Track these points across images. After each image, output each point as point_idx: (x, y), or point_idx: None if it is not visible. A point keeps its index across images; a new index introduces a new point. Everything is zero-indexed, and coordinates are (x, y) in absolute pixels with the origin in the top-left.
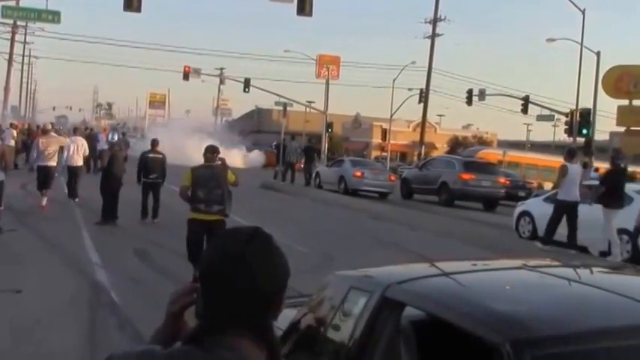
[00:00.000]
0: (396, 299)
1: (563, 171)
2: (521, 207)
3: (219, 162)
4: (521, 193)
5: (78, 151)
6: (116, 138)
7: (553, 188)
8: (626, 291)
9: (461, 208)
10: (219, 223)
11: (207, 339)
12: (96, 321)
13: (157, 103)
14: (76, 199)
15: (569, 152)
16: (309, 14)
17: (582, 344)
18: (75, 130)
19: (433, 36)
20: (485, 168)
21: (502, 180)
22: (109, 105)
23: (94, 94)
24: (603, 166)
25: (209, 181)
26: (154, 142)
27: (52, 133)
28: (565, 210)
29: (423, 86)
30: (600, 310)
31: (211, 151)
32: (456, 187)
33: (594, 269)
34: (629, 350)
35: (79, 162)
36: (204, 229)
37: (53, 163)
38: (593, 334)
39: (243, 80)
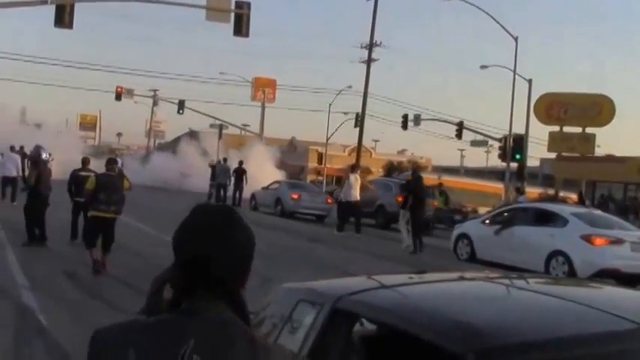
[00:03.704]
0: (348, 311)
1: (346, 178)
2: (458, 229)
3: (118, 171)
4: (457, 217)
5: None
6: (44, 156)
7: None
8: (582, 300)
9: (398, 231)
10: (113, 220)
11: (187, 305)
12: (22, 345)
13: (88, 124)
14: None
15: (352, 167)
16: (246, 35)
17: (545, 352)
18: None
19: (369, 61)
20: None
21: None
22: (38, 126)
23: (21, 114)
24: (534, 191)
25: (109, 186)
26: (85, 160)
27: None
28: (346, 206)
29: (359, 110)
30: (560, 318)
31: (111, 163)
32: (393, 210)
33: (544, 280)
34: (590, 358)
35: None
36: (102, 223)
37: None
38: (555, 343)
39: (177, 101)
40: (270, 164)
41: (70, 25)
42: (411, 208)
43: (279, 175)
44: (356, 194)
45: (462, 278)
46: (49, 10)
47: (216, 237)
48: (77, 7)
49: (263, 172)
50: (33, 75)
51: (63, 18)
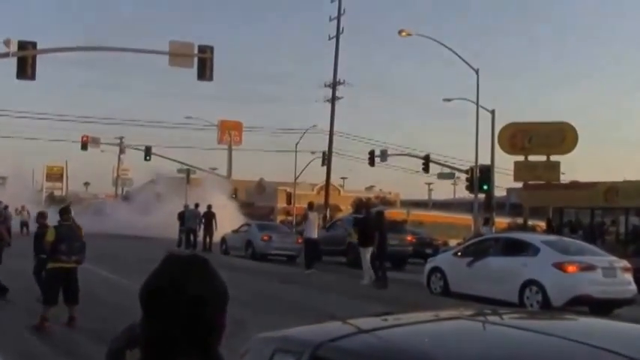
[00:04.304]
0: (329, 359)
1: (305, 217)
2: (431, 263)
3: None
4: (428, 251)
5: None
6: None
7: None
8: (566, 334)
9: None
10: (75, 270)
11: None
12: None
13: (55, 175)
14: None
15: (309, 205)
16: (210, 79)
17: None
18: None
19: (333, 99)
20: (392, 227)
21: (409, 238)
22: (3, 179)
23: None
24: (503, 221)
25: (70, 235)
26: (42, 215)
27: None
28: (310, 243)
29: (326, 149)
30: (547, 354)
31: (66, 212)
32: None
33: (522, 314)
34: None
35: None
36: (64, 275)
37: None
38: None
39: (144, 148)
40: (225, 198)
41: (32, 77)
42: (379, 244)
43: (234, 208)
44: (316, 232)
45: (439, 318)
46: (12, 62)
47: (191, 290)
48: (39, 58)
49: (219, 209)
50: None
51: (25, 70)
